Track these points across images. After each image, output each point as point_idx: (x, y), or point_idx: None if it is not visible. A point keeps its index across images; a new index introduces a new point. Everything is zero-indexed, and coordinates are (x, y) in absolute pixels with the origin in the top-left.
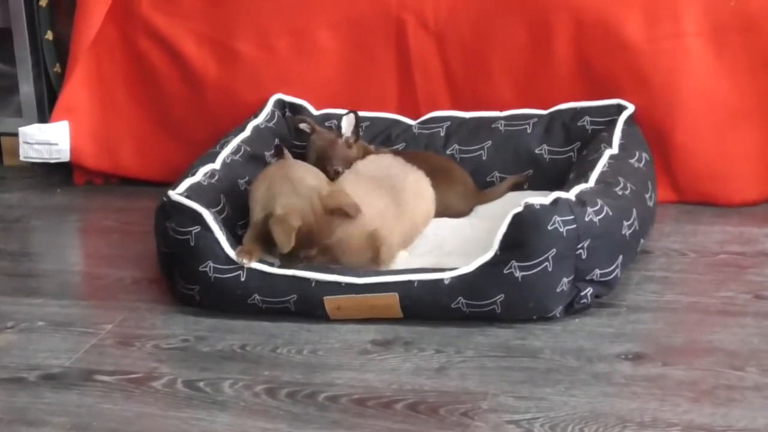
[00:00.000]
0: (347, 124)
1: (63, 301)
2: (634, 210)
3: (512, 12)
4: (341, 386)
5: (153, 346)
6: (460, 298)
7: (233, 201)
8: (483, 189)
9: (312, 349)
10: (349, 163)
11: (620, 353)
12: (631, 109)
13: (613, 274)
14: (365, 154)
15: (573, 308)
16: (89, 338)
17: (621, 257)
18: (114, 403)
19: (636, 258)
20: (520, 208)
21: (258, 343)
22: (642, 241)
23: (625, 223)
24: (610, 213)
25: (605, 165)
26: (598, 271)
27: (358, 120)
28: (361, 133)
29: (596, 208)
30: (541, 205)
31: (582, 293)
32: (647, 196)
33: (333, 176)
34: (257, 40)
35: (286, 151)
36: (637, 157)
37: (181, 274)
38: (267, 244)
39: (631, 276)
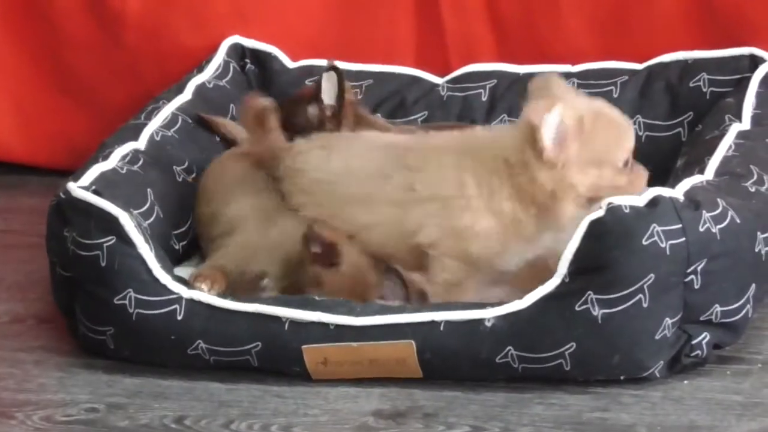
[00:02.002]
0: (328, 88)
1: None
2: None
3: None
4: None
5: (43, 418)
6: (510, 348)
7: (167, 199)
8: None
9: (285, 424)
10: None
11: None
12: None
13: (742, 312)
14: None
15: (680, 364)
16: None
17: (754, 287)
18: None
19: None
20: (600, 212)
21: (203, 415)
22: None
23: (761, 236)
24: (738, 220)
25: (731, 147)
26: (718, 308)
27: (342, 80)
28: (357, 97)
29: (716, 212)
30: (632, 208)
31: (694, 341)
32: None
33: None
34: None
35: (217, 119)
36: None
37: (88, 310)
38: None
39: None
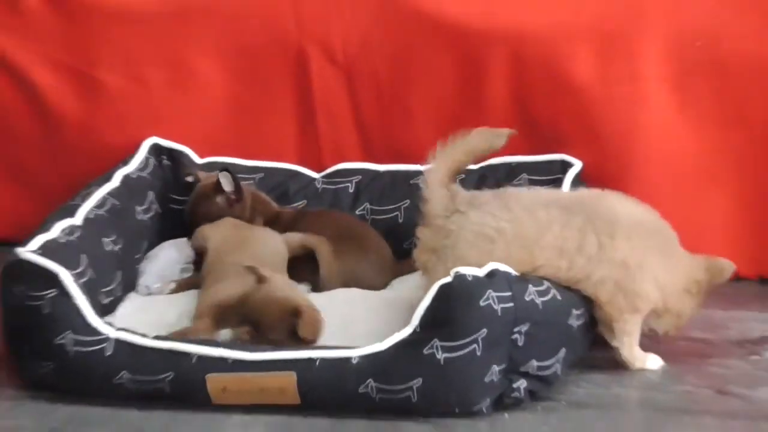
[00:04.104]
0: (225, 182)
1: None
2: None
3: (438, 44)
4: None
5: None
6: (370, 380)
7: (97, 263)
8: (400, 259)
9: None
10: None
11: None
12: (578, 166)
13: (552, 369)
14: (268, 212)
15: (503, 403)
16: None
17: (564, 351)
18: None
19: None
20: (448, 279)
21: None
22: (593, 336)
23: (575, 312)
24: (558, 297)
25: None
26: (535, 363)
27: (235, 175)
28: (252, 189)
29: (541, 288)
30: (474, 277)
31: (514, 385)
32: None
33: None
34: (126, 70)
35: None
36: None
37: (33, 349)
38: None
39: (573, 365)
